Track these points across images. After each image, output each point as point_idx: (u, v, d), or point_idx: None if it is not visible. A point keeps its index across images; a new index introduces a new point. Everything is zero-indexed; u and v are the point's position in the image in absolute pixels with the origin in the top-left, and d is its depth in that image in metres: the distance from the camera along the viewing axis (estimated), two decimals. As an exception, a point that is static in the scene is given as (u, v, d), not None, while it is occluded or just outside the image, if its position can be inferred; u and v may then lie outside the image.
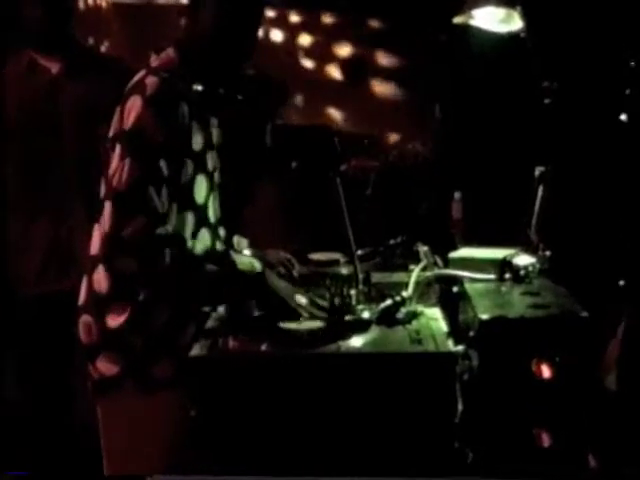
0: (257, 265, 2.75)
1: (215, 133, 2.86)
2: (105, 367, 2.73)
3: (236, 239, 3.12)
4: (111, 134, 2.70)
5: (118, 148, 2.61)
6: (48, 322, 3.57)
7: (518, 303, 2.69)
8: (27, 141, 3.54)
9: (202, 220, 2.80)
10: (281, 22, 5.63)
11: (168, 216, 2.63)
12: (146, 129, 2.58)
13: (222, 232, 3.02)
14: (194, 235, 2.76)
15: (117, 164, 2.58)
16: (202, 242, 2.77)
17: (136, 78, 2.71)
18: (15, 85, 3.57)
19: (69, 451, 3.67)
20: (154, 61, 2.76)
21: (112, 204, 2.58)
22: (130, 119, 2.60)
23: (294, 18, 5.72)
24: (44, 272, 3.59)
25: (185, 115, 2.65)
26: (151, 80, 2.64)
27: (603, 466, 2.80)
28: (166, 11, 5.46)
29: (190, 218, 2.74)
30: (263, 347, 2.52)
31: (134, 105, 2.60)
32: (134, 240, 2.53)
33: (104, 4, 5.38)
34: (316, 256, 3.26)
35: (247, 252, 3.07)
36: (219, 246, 2.89)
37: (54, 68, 3.57)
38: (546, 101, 3.23)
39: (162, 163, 2.59)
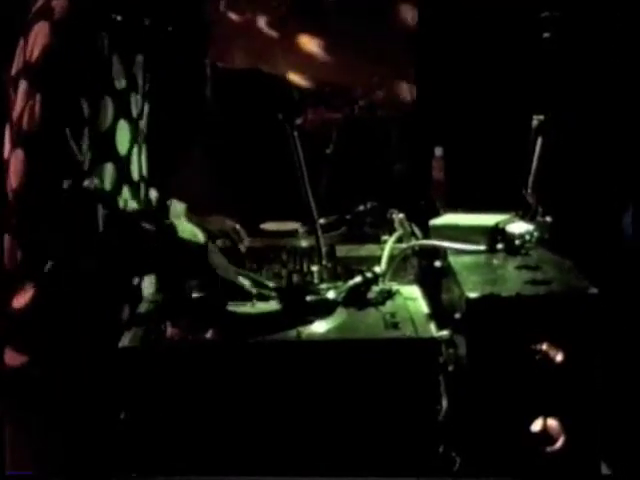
0: (200, 236, 2.73)
1: (140, 74, 2.84)
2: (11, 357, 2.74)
3: (171, 203, 3.11)
4: (14, 71, 2.66)
5: (24, 85, 2.57)
6: None
7: (513, 279, 2.70)
8: None
9: (123, 175, 2.78)
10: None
11: (92, 166, 2.62)
12: (58, 60, 2.55)
13: (153, 194, 3.02)
14: (114, 192, 2.74)
15: (24, 102, 2.55)
16: (122, 202, 2.72)
17: (40, 1, 2.69)
18: None
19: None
20: None
21: (23, 152, 2.53)
22: (36, 50, 2.56)
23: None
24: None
25: (104, 45, 2.63)
26: (59, 2, 2.61)
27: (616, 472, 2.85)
28: None
29: (110, 170, 2.72)
30: (208, 335, 2.52)
31: (40, 33, 2.58)
32: (52, 197, 2.50)
33: None
34: (270, 226, 3.32)
35: (184, 219, 3.08)
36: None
37: None
38: (545, 35, 3.26)
39: (82, 101, 2.57)
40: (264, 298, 2.68)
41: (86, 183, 2.55)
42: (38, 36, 2.58)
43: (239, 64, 5.17)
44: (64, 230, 2.54)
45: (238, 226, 3.15)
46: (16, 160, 2.55)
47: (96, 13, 2.65)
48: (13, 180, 2.55)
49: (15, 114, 2.57)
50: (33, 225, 2.56)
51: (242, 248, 3.10)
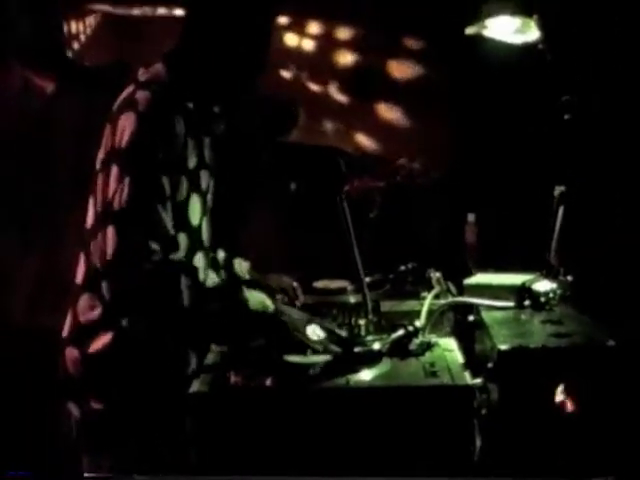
0: (268, 303, 2.73)
1: (207, 153, 2.86)
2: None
3: (237, 262, 3.14)
4: (102, 155, 2.70)
5: (115, 169, 2.59)
6: (37, 356, 3.59)
7: (539, 332, 2.70)
8: (21, 162, 3.58)
9: (197, 243, 2.81)
10: (282, 33, 5.64)
11: (177, 239, 2.66)
12: (144, 145, 2.59)
13: (222, 255, 3.04)
14: (189, 258, 2.77)
15: (116, 185, 2.56)
16: (201, 271, 2.75)
17: (125, 94, 2.73)
18: (8, 104, 3.60)
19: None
20: (142, 75, 2.77)
21: (114, 228, 2.53)
22: (125, 137, 2.59)
23: (297, 29, 5.74)
24: (38, 305, 3.61)
25: (181, 130, 2.67)
26: (143, 95, 2.65)
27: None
28: (155, 24, 5.52)
29: (184, 240, 2.74)
30: (267, 382, 2.52)
31: (127, 122, 2.61)
32: (145, 268, 2.51)
33: (93, 18, 5.43)
34: (322, 284, 3.29)
35: (248, 276, 3.10)
36: (216, 275, 2.90)
37: (48, 86, 3.62)
38: (566, 116, 3.26)
39: (164, 180, 2.60)
40: (324, 351, 2.66)
41: (172, 255, 2.57)
42: (126, 125, 2.60)
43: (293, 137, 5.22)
44: (151, 294, 2.55)
45: (295, 284, 3.15)
46: (107, 235, 2.54)
47: (173, 103, 2.68)
48: (107, 251, 2.54)
49: (110, 194, 2.57)
50: (123, 290, 2.58)
51: (297, 304, 3.10)
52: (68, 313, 2.83)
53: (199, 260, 2.81)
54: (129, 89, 2.72)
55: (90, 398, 2.74)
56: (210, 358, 2.76)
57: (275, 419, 2.46)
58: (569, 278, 3.05)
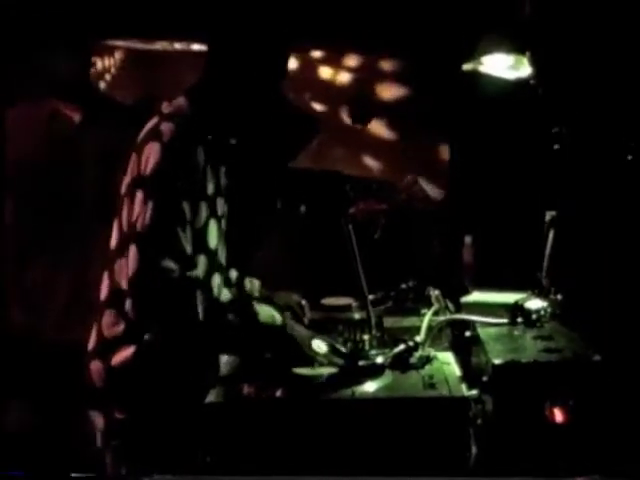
0: (278, 317, 2.75)
1: (223, 181, 2.88)
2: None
3: (248, 281, 3.16)
4: (128, 180, 2.73)
5: (140, 193, 2.61)
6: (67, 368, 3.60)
7: (531, 347, 2.70)
8: (50, 187, 3.60)
9: (214, 264, 2.83)
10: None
11: (194, 259, 2.68)
12: (167, 173, 2.61)
13: (234, 274, 3.06)
14: (207, 278, 2.79)
15: (140, 209, 2.58)
16: (216, 287, 2.80)
17: (150, 125, 2.76)
18: (38, 133, 3.63)
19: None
20: (166, 108, 2.80)
21: (136, 247, 2.55)
22: (150, 165, 2.62)
23: (302, 58, 5.75)
24: (68, 321, 3.62)
25: (201, 160, 2.69)
26: (167, 126, 2.68)
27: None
28: (178, 58, 5.55)
29: (203, 262, 2.76)
30: (278, 393, 2.54)
31: (152, 151, 2.63)
32: (164, 284, 2.54)
33: (120, 54, 5.46)
34: (328, 301, 3.28)
35: (258, 294, 3.11)
36: (229, 292, 2.93)
37: (75, 116, 3.65)
38: (555, 147, 3.27)
39: (184, 205, 2.62)
40: (329, 364, 2.67)
41: (189, 273, 2.59)
42: (151, 154, 2.63)
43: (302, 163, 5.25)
44: (170, 309, 2.57)
45: (303, 301, 3.16)
46: (130, 255, 2.56)
47: (195, 134, 2.70)
48: (129, 269, 2.55)
49: (134, 216, 2.59)
50: (144, 306, 2.60)
51: (305, 320, 3.10)
52: (93, 328, 2.84)
53: (215, 279, 2.83)
54: (154, 120, 2.75)
55: (114, 408, 2.76)
56: (225, 369, 2.78)
57: (285, 428, 2.47)
58: (559, 297, 3.05)
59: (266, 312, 2.76)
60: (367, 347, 2.80)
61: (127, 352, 2.72)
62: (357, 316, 3.09)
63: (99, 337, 2.81)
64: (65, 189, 3.61)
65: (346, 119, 5.62)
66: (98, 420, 2.81)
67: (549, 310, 2.98)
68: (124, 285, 2.64)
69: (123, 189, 2.75)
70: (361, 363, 2.67)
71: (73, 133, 3.64)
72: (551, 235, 3.16)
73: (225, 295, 2.75)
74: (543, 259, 3.15)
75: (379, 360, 2.68)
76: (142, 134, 2.75)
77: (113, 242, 2.77)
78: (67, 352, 3.60)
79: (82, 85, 3.68)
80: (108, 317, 2.78)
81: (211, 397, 2.56)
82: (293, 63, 5.53)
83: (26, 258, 3.66)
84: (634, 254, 3.64)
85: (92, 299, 3.40)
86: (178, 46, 5.56)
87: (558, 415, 2.52)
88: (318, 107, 5.70)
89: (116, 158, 3.28)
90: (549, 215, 3.19)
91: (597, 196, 3.72)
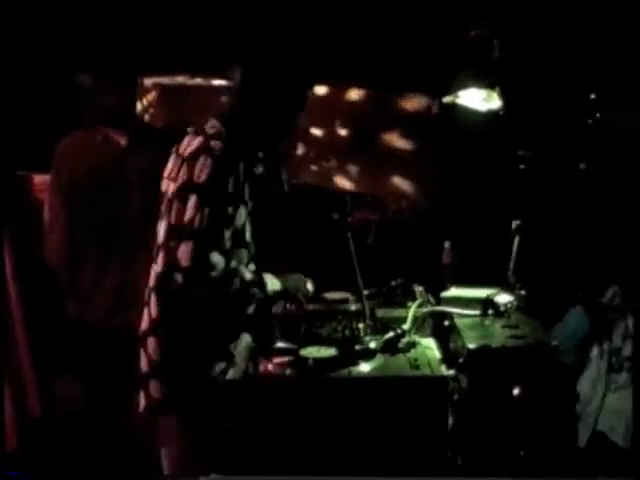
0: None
1: (247, 190, 2.86)
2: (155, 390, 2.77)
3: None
4: (178, 186, 2.73)
5: (194, 197, 2.65)
6: (116, 351, 3.61)
7: (499, 334, 2.72)
8: (101, 201, 3.61)
9: (251, 255, 2.87)
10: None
11: (232, 250, 2.73)
12: (219, 182, 2.66)
13: (252, 266, 3.09)
14: (247, 266, 2.84)
15: (194, 211, 2.63)
16: (249, 272, 2.82)
17: (198, 143, 2.75)
18: (92, 154, 3.65)
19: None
20: (210, 129, 2.80)
21: (194, 243, 2.60)
22: (203, 174, 2.65)
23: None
24: (114, 310, 3.63)
25: (241, 171, 2.74)
26: (216, 144, 2.70)
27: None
28: (200, 91, 5.56)
29: (244, 253, 2.81)
30: (287, 372, 2.55)
31: (205, 164, 2.67)
32: (211, 273, 2.60)
33: (150, 86, 5.48)
34: (329, 295, 3.25)
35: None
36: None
37: (122, 141, 3.67)
38: (521, 167, 3.28)
39: (230, 209, 2.68)
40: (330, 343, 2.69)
41: (231, 264, 2.66)
42: (204, 166, 2.66)
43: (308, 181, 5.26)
44: (215, 291, 2.65)
45: (309, 283, 3.12)
46: (183, 248, 2.61)
47: (237, 150, 2.75)
48: (182, 262, 2.60)
49: (183, 218, 2.65)
50: (195, 287, 2.64)
51: (305, 303, 3.04)
52: (144, 311, 2.86)
53: (251, 266, 2.86)
54: (200, 139, 2.75)
55: (158, 384, 2.76)
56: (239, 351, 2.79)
57: (293, 401, 2.48)
58: (523, 292, 3.06)
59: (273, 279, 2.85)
60: (362, 334, 2.79)
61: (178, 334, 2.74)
62: (353, 308, 3.08)
63: (150, 318, 2.81)
64: (113, 202, 3.63)
65: (344, 146, 5.62)
66: (141, 400, 2.81)
67: (515, 303, 2.99)
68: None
69: (170, 194, 2.77)
70: (357, 347, 2.68)
71: (120, 155, 3.66)
72: (516, 240, 3.16)
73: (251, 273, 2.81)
74: (510, 260, 3.15)
75: (372, 345, 2.69)
76: (190, 149, 2.76)
77: (161, 236, 2.78)
78: (111, 338, 3.63)
79: (128, 115, 3.70)
80: (155, 300, 2.80)
81: (231, 374, 2.58)
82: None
83: (79, 262, 3.68)
84: (584, 255, 3.65)
85: (133, 295, 3.45)
86: (200, 80, 5.59)
87: (522, 391, 2.53)
88: (322, 132, 5.70)
89: (155, 177, 3.32)
90: (515, 223, 3.19)
91: (554, 207, 3.72)
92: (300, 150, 5.36)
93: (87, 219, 3.62)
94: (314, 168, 5.55)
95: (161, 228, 2.78)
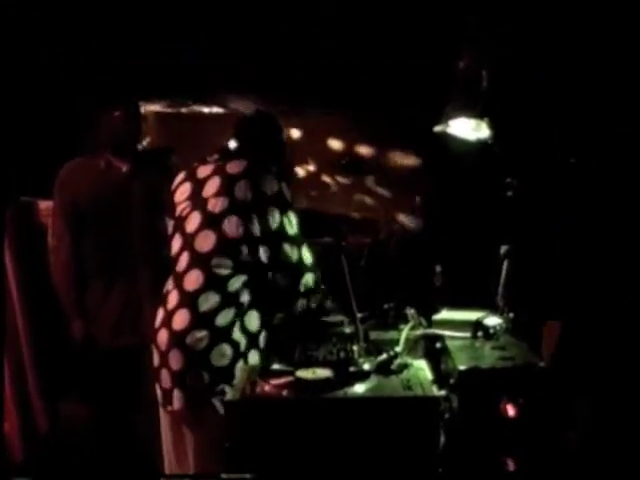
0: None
1: None
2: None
3: None
4: (226, 204, 3.05)
5: (250, 212, 3.04)
6: (121, 370, 3.64)
7: (489, 356, 2.74)
8: (104, 225, 3.66)
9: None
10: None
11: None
12: (263, 196, 3.04)
13: None
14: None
15: (246, 222, 3.02)
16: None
17: (237, 167, 3.11)
18: (94, 180, 3.71)
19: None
20: (232, 166, 3.13)
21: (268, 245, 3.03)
22: (249, 194, 3.03)
23: (296, 121, 5.80)
24: (119, 329, 3.66)
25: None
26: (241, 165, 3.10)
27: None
28: (197, 119, 5.63)
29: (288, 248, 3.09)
30: (284, 393, 2.56)
31: (244, 185, 3.04)
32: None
33: (149, 115, 5.54)
34: (326, 319, 3.27)
35: None
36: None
37: (124, 167, 3.73)
38: (509, 194, 3.32)
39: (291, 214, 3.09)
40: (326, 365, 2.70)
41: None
42: (244, 186, 3.02)
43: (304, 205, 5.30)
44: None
45: None
46: (261, 251, 3.05)
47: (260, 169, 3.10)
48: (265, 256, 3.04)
49: (233, 231, 3.02)
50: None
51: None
52: (162, 328, 3.04)
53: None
54: (240, 163, 3.11)
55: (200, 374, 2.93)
56: (244, 372, 2.81)
57: (289, 421, 2.49)
58: (511, 315, 3.08)
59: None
60: (356, 356, 2.80)
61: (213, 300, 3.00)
62: (348, 330, 3.08)
63: (171, 332, 3.00)
64: (116, 224, 3.68)
65: (338, 176, 5.67)
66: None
67: (503, 326, 3.01)
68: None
69: (218, 210, 3.05)
70: (351, 369, 2.69)
71: (123, 181, 3.72)
72: (505, 265, 3.20)
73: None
74: (499, 284, 3.18)
75: (366, 366, 2.69)
76: (232, 171, 3.10)
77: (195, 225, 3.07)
78: (118, 355, 3.66)
79: (129, 143, 3.76)
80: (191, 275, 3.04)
81: (230, 395, 2.59)
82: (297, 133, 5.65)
83: (84, 282, 3.72)
84: (571, 280, 3.67)
85: (140, 311, 3.50)
86: (196, 108, 5.65)
87: (510, 410, 2.56)
88: (315, 167, 5.76)
89: (156, 200, 3.37)
90: (504, 249, 3.23)
91: (541, 233, 3.74)
92: (296, 175, 5.41)
93: (91, 243, 3.67)
94: (309, 193, 5.60)
95: (196, 217, 3.08)
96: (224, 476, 2.47)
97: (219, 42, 4.61)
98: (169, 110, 5.62)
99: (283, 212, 3.07)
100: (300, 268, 3.10)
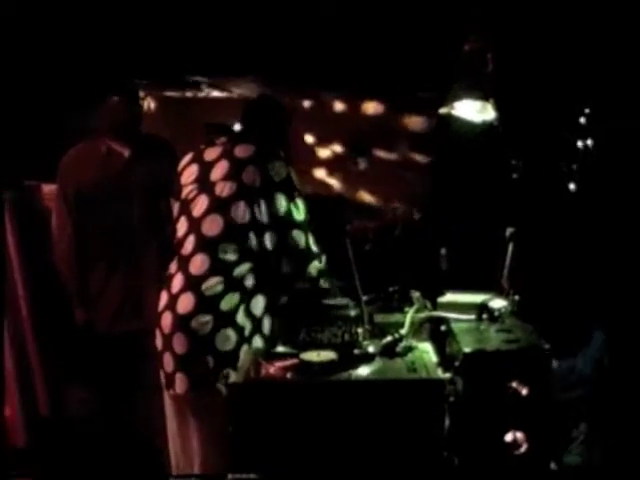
0: None
1: None
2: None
3: None
4: (234, 188, 3.05)
5: (260, 197, 3.04)
6: (125, 355, 3.64)
7: (494, 338, 2.73)
8: (106, 209, 3.65)
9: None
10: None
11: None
12: (271, 181, 3.06)
13: None
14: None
15: (254, 207, 3.03)
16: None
17: (245, 152, 3.11)
18: (96, 165, 3.69)
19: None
20: (240, 150, 3.13)
21: (278, 232, 3.07)
22: (258, 180, 3.04)
23: (305, 103, 5.78)
24: (120, 315, 3.66)
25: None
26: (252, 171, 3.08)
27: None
28: (199, 103, 5.62)
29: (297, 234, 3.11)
30: (288, 375, 2.56)
31: (251, 171, 3.05)
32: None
33: (151, 100, 5.54)
34: (329, 301, 3.30)
35: None
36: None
37: (125, 152, 3.71)
38: (514, 176, 3.30)
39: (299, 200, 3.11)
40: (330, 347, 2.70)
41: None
42: (253, 171, 3.04)
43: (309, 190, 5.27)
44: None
45: None
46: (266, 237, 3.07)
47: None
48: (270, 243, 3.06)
49: (238, 214, 3.03)
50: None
51: None
52: (166, 312, 3.03)
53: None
54: (249, 147, 3.11)
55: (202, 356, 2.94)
56: (248, 355, 2.81)
57: (294, 403, 2.49)
58: (516, 297, 3.06)
59: None
60: (361, 338, 2.80)
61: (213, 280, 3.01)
62: (353, 313, 3.02)
63: (175, 315, 3.00)
64: (117, 211, 3.67)
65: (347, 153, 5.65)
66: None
67: (508, 308, 2.99)
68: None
69: (225, 194, 3.05)
70: (356, 352, 2.69)
71: (124, 166, 3.71)
72: (510, 247, 3.17)
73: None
74: (504, 266, 3.16)
75: (371, 349, 2.71)
76: (240, 155, 3.11)
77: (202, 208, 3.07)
78: (121, 340, 3.66)
79: (131, 128, 3.74)
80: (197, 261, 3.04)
81: (234, 378, 2.59)
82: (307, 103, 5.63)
83: (86, 268, 3.71)
84: (576, 262, 3.66)
85: (142, 298, 3.49)
86: (202, 94, 5.64)
87: (516, 393, 2.54)
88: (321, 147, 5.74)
89: (157, 185, 3.35)
90: (509, 231, 3.20)
91: (546, 215, 3.73)
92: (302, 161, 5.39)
93: (93, 227, 3.67)
94: (315, 177, 5.59)
95: (202, 201, 3.09)
96: (230, 476, 2.46)
97: (223, 27, 4.59)
98: (174, 94, 5.60)
99: (291, 198, 3.05)
100: (307, 255, 3.08)
